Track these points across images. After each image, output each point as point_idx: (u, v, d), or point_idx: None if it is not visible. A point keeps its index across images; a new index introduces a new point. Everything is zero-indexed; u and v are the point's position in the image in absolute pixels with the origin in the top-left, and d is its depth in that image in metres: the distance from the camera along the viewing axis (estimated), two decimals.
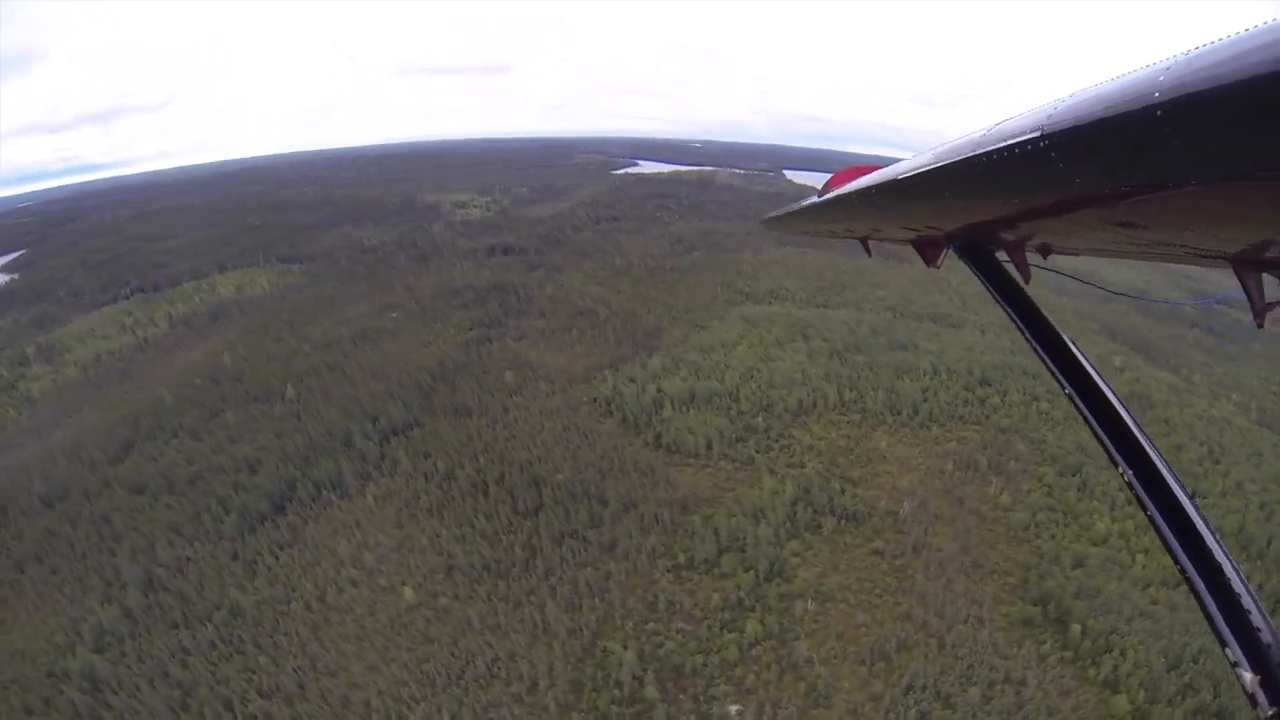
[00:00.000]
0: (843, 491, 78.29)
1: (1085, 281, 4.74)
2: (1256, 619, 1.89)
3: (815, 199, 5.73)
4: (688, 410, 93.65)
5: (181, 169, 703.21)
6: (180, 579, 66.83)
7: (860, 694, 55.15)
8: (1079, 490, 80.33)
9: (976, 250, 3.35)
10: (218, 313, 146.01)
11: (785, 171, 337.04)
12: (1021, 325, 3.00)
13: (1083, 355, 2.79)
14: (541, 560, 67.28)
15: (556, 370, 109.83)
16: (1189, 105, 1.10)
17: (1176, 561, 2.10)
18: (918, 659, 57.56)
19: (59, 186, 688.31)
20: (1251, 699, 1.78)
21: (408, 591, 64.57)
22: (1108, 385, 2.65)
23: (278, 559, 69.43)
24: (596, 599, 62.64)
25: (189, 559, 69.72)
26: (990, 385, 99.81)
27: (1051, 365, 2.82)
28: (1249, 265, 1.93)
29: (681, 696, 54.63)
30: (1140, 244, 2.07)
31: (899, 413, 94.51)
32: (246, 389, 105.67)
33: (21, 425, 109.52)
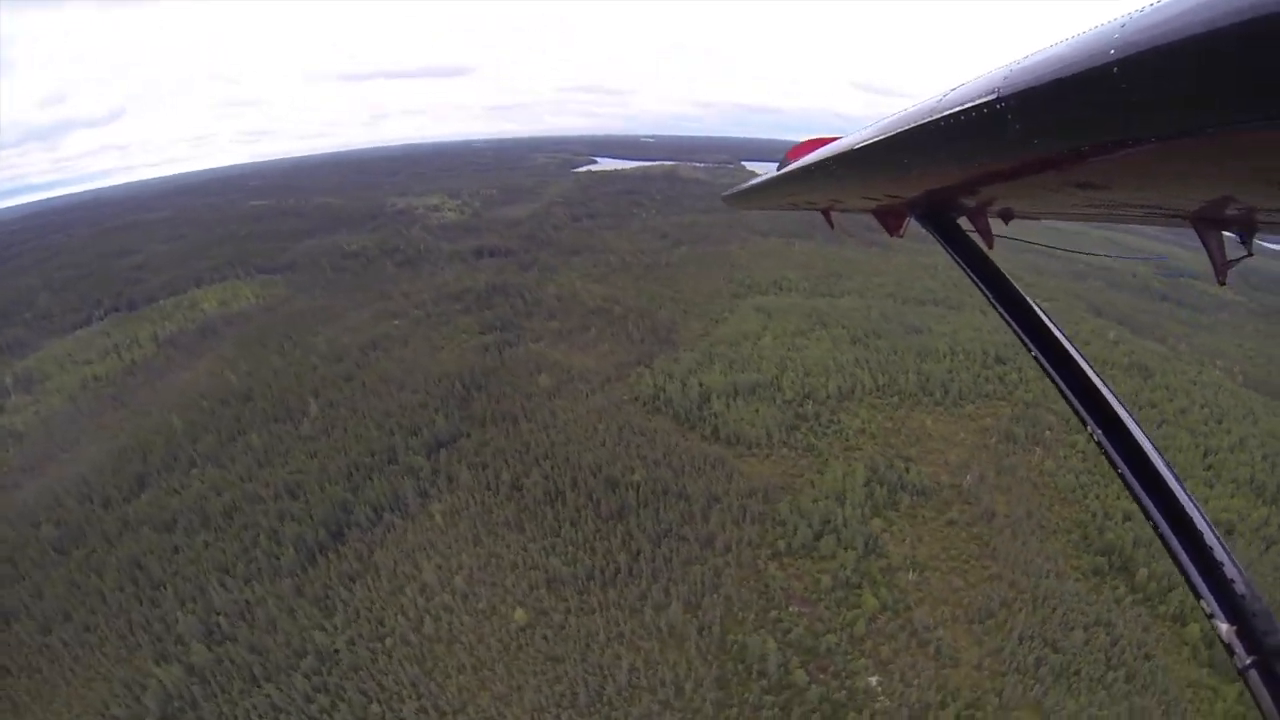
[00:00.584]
0: (906, 469, 75.96)
1: (1049, 246, 4.30)
2: (1230, 570, 1.84)
3: (774, 173, 5.34)
4: (735, 402, 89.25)
5: (131, 185, 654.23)
6: (246, 626, 57.67)
7: (979, 650, 55.24)
8: None
9: (938, 217, 3.12)
10: (206, 329, 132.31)
11: (744, 163, 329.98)
12: (986, 290, 2.83)
13: (1048, 317, 2.62)
14: (645, 562, 62.10)
15: (587, 370, 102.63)
16: (1144, 62, 1.06)
17: (1149, 517, 2.01)
18: (1018, 613, 57.89)
19: (5, 208, 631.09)
20: (1229, 649, 1.76)
21: (517, 612, 57.42)
22: (1074, 346, 2.50)
23: (352, 591, 60.66)
24: (713, 594, 58.46)
25: (250, 602, 60.32)
26: (1005, 363, 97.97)
27: (1017, 328, 2.65)
28: (1208, 223, 1.86)
29: (823, 676, 52.09)
30: (1101, 205, 2.01)
31: (931, 393, 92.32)
32: (263, 408, 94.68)
33: (12, 464, 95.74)
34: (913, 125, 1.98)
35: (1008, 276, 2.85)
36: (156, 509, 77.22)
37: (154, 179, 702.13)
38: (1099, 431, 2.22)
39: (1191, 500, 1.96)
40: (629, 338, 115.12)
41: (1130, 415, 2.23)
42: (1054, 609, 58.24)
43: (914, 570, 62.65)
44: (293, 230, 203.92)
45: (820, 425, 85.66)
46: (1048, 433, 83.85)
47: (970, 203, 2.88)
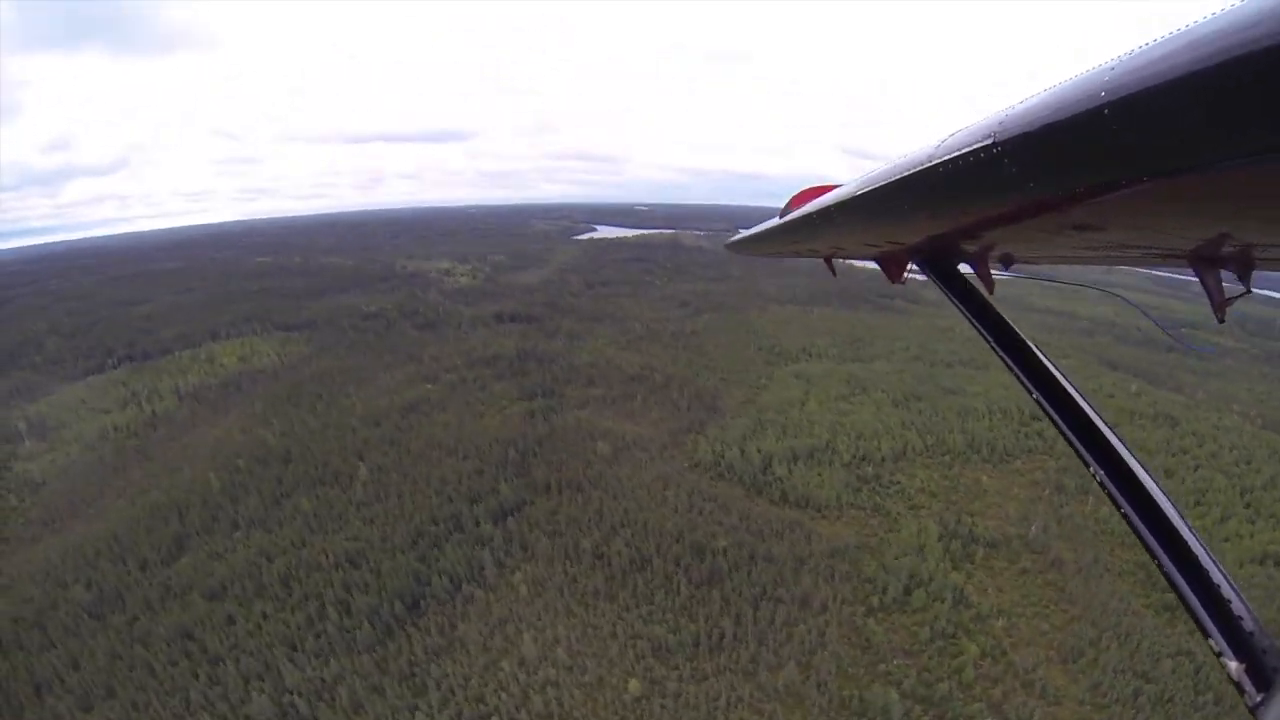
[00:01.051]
0: (973, 524, 76.99)
1: (1048, 279, 3.98)
2: (1238, 607, 1.81)
3: (776, 220, 5.21)
4: (796, 467, 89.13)
5: (130, 235, 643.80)
6: (327, 707, 52.86)
7: (1078, 687, 56.37)
8: None
9: (939, 264, 3.11)
10: (229, 384, 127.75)
11: (741, 230, 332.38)
12: (987, 335, 2.84)
13: (1050, 362, 2.63)
14: (747, 625, 60.28)
15: (641, 438, 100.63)
16: (1134, 103, 1.06)
17: (1154, 557, 1.99)
18: (1106, 650, 59.07)
19: (9, 249, 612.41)
20: (1238, 687, 1.73)
21: (631, 683, 53.79)
22: (1075, 389, 2.51)
23: (442, 667, 56.10)
24: (820, 652, 57.94)
25: (327, 680, 55.50)
26: (1041, 419, 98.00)
27: (1019, 372, 2.66)
28: (1206, 262, 1.83)
29: None
30: (1099, 247, 2.01)
31: (979, 450, 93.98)
32: (306, 471, 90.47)
33: (30, 516, 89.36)
34: (911, 171, 1.97)
35: (1009, 321, 2.84)
36: (201, 574, 72.04)
37: (152, 231, 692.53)
38: (1101, 472, 2.20)
39: (1196, 538, 1.92)
40: (675, 405, 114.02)
41: (1133, 455, 2.19)
42: (1137, 643, 59.60)
43: (1002, 617, 63.61)
44: (305, 289, 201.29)
45: (882, 486, 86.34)
46: (1092, 483, 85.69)
47: (970, 248, 2.82)
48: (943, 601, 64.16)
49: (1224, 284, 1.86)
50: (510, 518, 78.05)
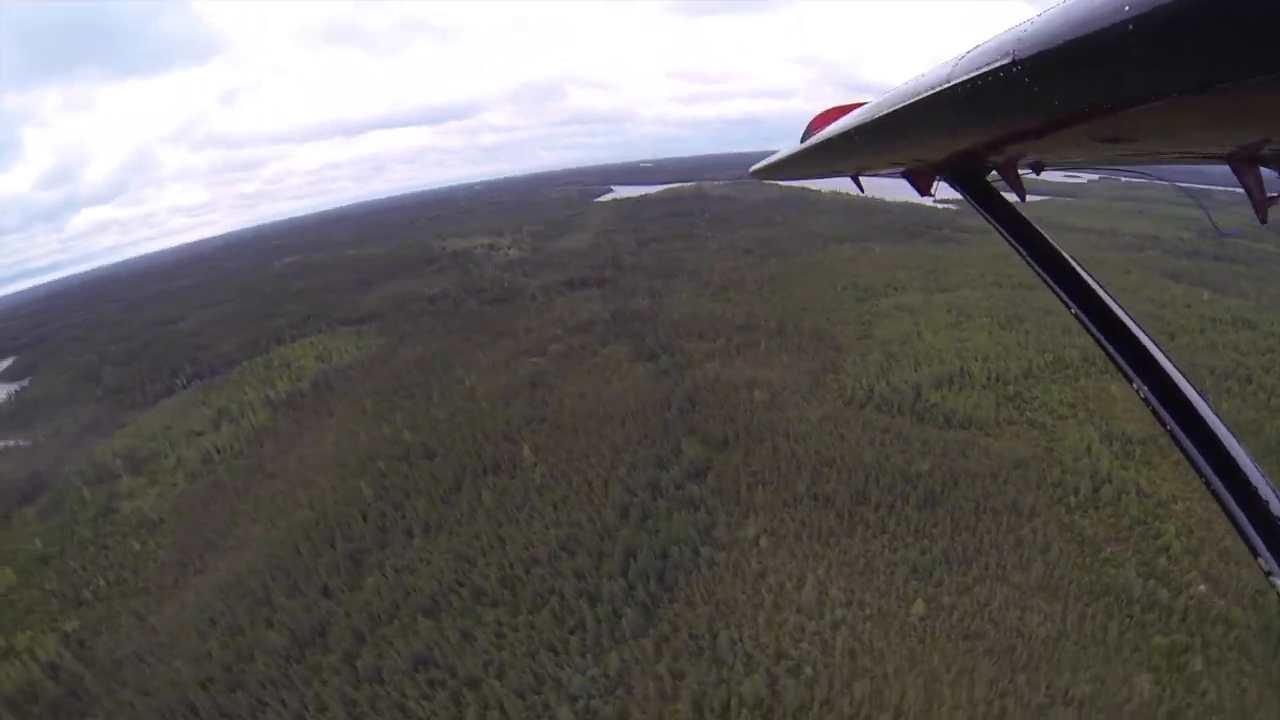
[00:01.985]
0: (1122, 426, 73.83)
1: (1096, 170, 3.55)
2: None
3: (799, 145, 4.85)
4: (945, 393, 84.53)
5: (137, 259, 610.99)
6: (633, 702, 44.33)
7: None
8: None
9: (967, 176, 2.94)
10: (320, 386, 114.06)
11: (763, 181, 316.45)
12: (1019, 247, 2.67)
13: (1088, 273, 2.47)
14: (983, 537, 58.85)
15: (784, 384, 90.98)
16: (1160, 16, 0.94)
17: (1201, 474, 1.84)
18: None
19: (17, 291, 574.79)
20: None
21: (915, 604, 51.67)
22: (1116, 301, 2.35)
23: (729, 633, 49.77)
24: (1051, 550, 57.54)
25: (613, 675, 46.83)
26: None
27: (1055, 285, 2.49)
28: (1244, 161, 1.71)
29: (1168, 591, 52.36)
30: (1133, 153, 1.88)
31: (1093, 363, 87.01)
32: (461, 462, 78.29)
33: (160, 559, 76.66)
34: (930, 92, 1.83)
35: (1041, 230, 2.60)
36: (401, 591, 60.34)
37: (159, 251, 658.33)
38: (1144, 387, 2.05)
39: (1248, 454, 1.79)
40: (798, 349, 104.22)
41: (1178, 370, 2.03)
42: None
43: (1179, 502, 62.26)
44: (349, 282, 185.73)
45: (1024, 402, 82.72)
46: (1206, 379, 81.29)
47: (998, 159, 2.63)
48: (1128, 494, 63.52)
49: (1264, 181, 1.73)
50: (709, 475, 70.28)
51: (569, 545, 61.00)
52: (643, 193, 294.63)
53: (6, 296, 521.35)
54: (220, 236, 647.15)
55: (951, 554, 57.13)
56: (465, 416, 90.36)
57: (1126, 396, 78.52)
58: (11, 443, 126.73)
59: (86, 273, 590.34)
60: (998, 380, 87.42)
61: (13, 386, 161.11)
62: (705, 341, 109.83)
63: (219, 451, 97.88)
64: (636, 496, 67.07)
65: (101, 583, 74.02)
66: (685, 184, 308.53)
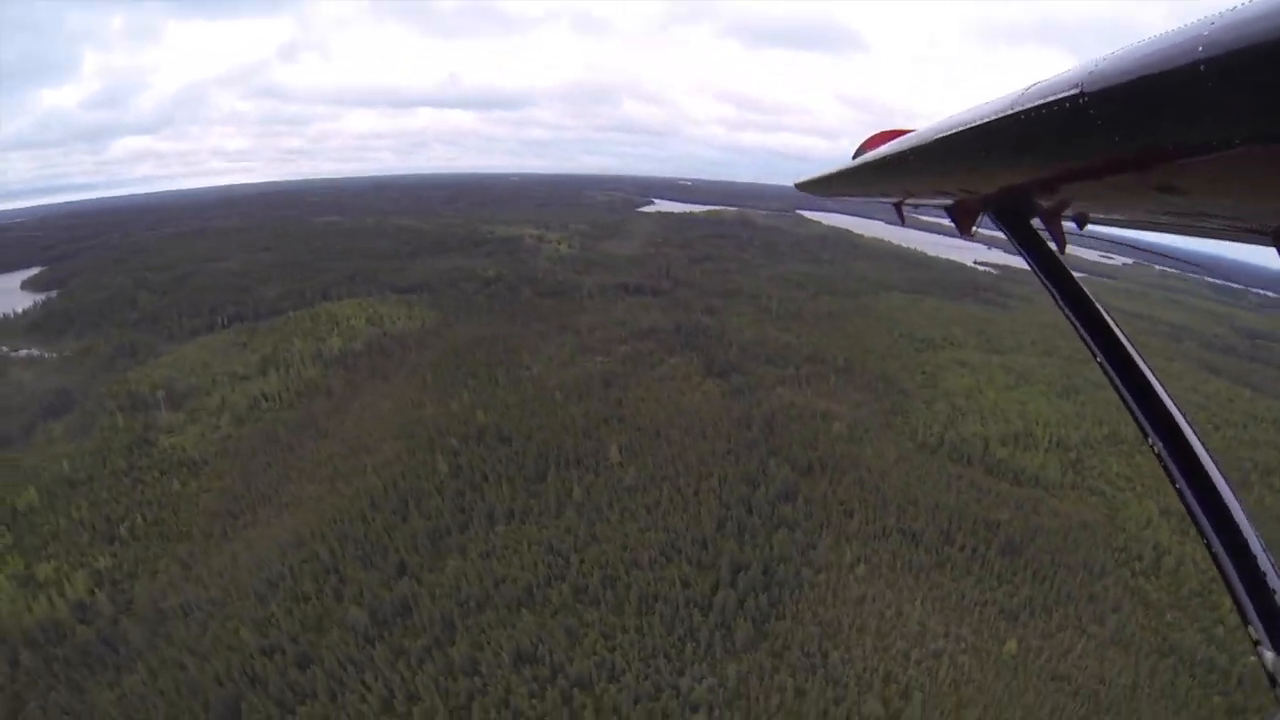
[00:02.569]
0: (1178, 505, 66.77)
1: (1126, 244, 3.84)
2: None
3: (850, 163, 4.59)
4: (1011, 450, 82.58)
5: (176, 193, 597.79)
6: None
7: None
8: None
9: (1012, 216, 2.88)
10: (374, 350, 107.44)
11: (799, 211, 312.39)
12: (1056, 294, 2.65)
13: (1118, 327, 2.44)
14: (1059, 588, 58.86)
15: (854, 418, 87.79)
16: (1233, 62, 0.92)
17: (1203, 535, 1.86)
18: None
19: (49, 204, 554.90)
20: (1271, 678, 1.66)
21: (1008, 644, 52.25)
22: (1141, 357, 2.33)
23: (840, 652, 49.29)
24: (1120, 608, 57.85)
25: (731, 685, 44.57)
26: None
27: (1086, 336, 2.47)
28: None
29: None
30: (1179, 213, 1.83)
31: (1130, 449, 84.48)
32: (540, 452, 72.55)
33: (204, 505, 69.72)
34: (993, 118, 1.82)
35: (1079, 282, 2.57)
36: (489, 580, 54.40)
37: (195, 189, 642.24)
38: (1160, 444, 2.07)
39: (1249, 524, 1.83)
40: (865, 388, 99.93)
41: (1195, 432, 2.05)
42: None
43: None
44: (394, 250, 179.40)
45: (1085, 469, 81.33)
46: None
47: (1045, 203, 2.58)
48: (1185, 567, 63.15)
49: None
50: (799, 499, 67.80)
51: (669, 551, 57.16)
52: (686, 210, 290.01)
53: (39, 207, 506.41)
54: (255, 185, 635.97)
55: (1034, 601, 57.40)
56: (538, 405, 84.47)
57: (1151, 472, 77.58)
58: (36, 353, 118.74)
59: (119, 198, 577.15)
60: (1059, 445, 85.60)
61: (39, 296, 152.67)
62: (774, 367, 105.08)
63: (266, 399, 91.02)
64: (730, 510, 64.12)
65: (139, 519, 67.05)
66: (728, 208, 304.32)
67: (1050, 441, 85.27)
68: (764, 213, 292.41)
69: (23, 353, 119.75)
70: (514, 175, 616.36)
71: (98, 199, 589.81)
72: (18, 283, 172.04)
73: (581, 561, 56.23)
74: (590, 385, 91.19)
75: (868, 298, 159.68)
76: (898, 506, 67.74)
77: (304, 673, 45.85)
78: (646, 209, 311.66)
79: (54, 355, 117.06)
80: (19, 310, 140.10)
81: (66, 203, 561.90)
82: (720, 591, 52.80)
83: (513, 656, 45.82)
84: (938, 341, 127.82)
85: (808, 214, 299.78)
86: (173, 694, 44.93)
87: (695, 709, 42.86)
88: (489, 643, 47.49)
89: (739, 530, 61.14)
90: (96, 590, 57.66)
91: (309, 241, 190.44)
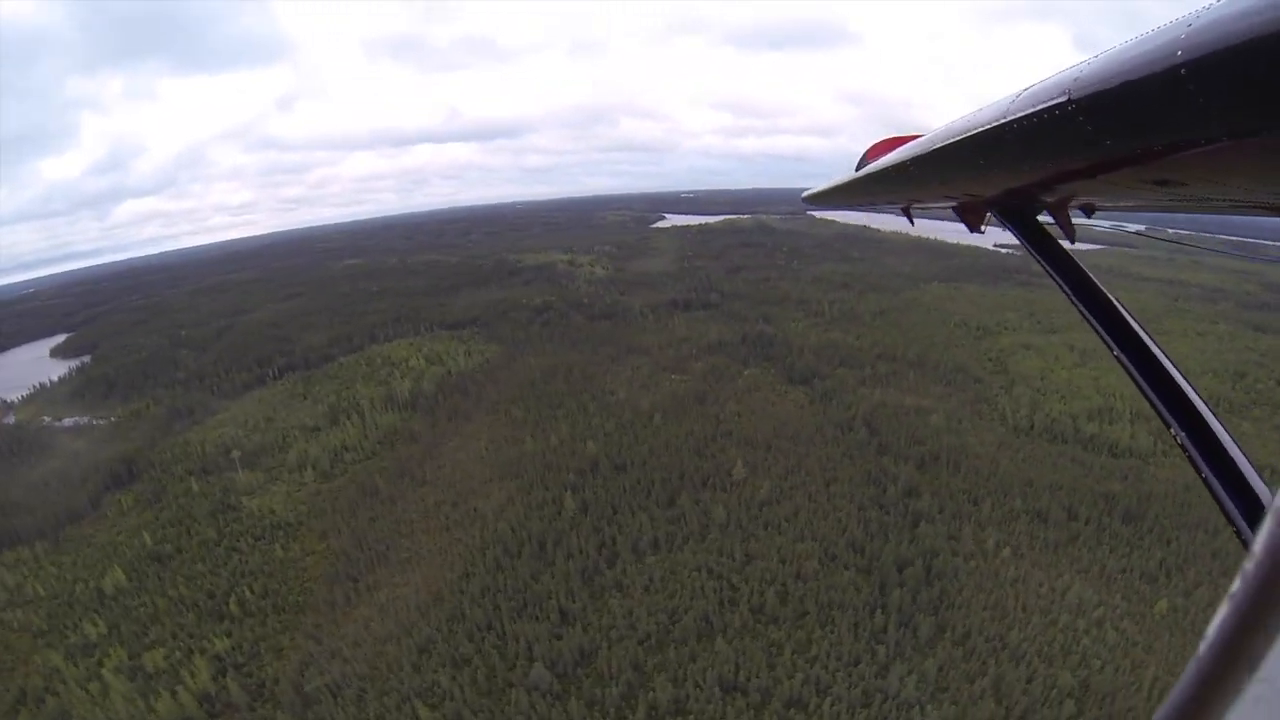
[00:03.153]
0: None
1: (1140, 232, 3.90)
2: None
3: (854, 173, 4.62)
4: (1099, 426, 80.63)
5: (183, 251, 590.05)
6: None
7: None
8: None
9: (1018, 213, 2.83)
10: (447, 390, 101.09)
11: (812, 213, 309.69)
12: (1066, 287, 2.58)
13: (1131, 316, 2.39)
14: (1185, 550, 56.94)
15: (945, 410, 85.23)
16: (1212, 61, 0.92)
17: (1233, 524, 1.82)
18: None
19: (62, 272, 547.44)
20: None
21: (1159, 604, 51.67)
22: (1158, 346, 2.28)
23: (1020, 634, 48.00)
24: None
25: (928, 681, 41.04)
26: (1246, 376, 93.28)
27: (1099, 327, 2.40)
28: None
29: None
30: (1182, 199, 1.79)
31: (1220, 404, 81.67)
32: (665, 476, 67.13)
33: (319, 570, 63.01)
34: (987, 126, 1.80)
35: (1089, 273, 2.51)
36: (661, 615, 48.88)
37: (201, 245, 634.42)
38: (1183, 435, 1.99)
39: (1271, 492, 1.75)
40: (944, 381, 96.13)
41: (1217, 419, 1.98)
42: None
43: None
44: (430, 287, 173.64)
45: (1171, 438, 72.58)
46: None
47: (1049, 198, 2.53)
48: None
49: None
50: (923, 493, 65.74)
51: (825, 559, 54.69)
52: (701, 222, 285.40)
53: (50, 276, 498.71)
54: (260, 236, 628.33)
55: (1167, 562, 56.40)
56: (639, 429, 78.90)
57: (1258, 434, 77.14)
58: (84, 420, 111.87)
59: (128, 260, 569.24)
60: (1140, 416, 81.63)
61: (72, 362, 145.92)
62: (849, 369, 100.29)
63: (347, 450, 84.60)
64: (866, 511, 62.06)
65: (246, 592, 60.13)
66: (741, 215, 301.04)
67: (1131, 413, 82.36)
68: (778, 217, 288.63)
69: (69, 421, 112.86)
70: (519, 203, 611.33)
71: (107, 263, 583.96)
72: (46, 351, 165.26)
73: (746, 581, 52.21)
74: (683, 404, 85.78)
75: (911, 292, 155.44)
76: (1018, 489, 66.17)
77: None
78: (660, 224, 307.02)
79: (103, 421, 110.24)
80: (55, 378, 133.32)
81: (77, 270, 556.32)
82: (892, 591, 51.16)
83: (718, 688, 40.08)
84: (993, 327, 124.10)
85: (820, 214, 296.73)
86: None
87: (910, 707, 41.38)
88: (688, 678, 41.64)
89: (882, 529, 59.15)
90: (220, 677, 50.82)
91: (335, 285, 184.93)
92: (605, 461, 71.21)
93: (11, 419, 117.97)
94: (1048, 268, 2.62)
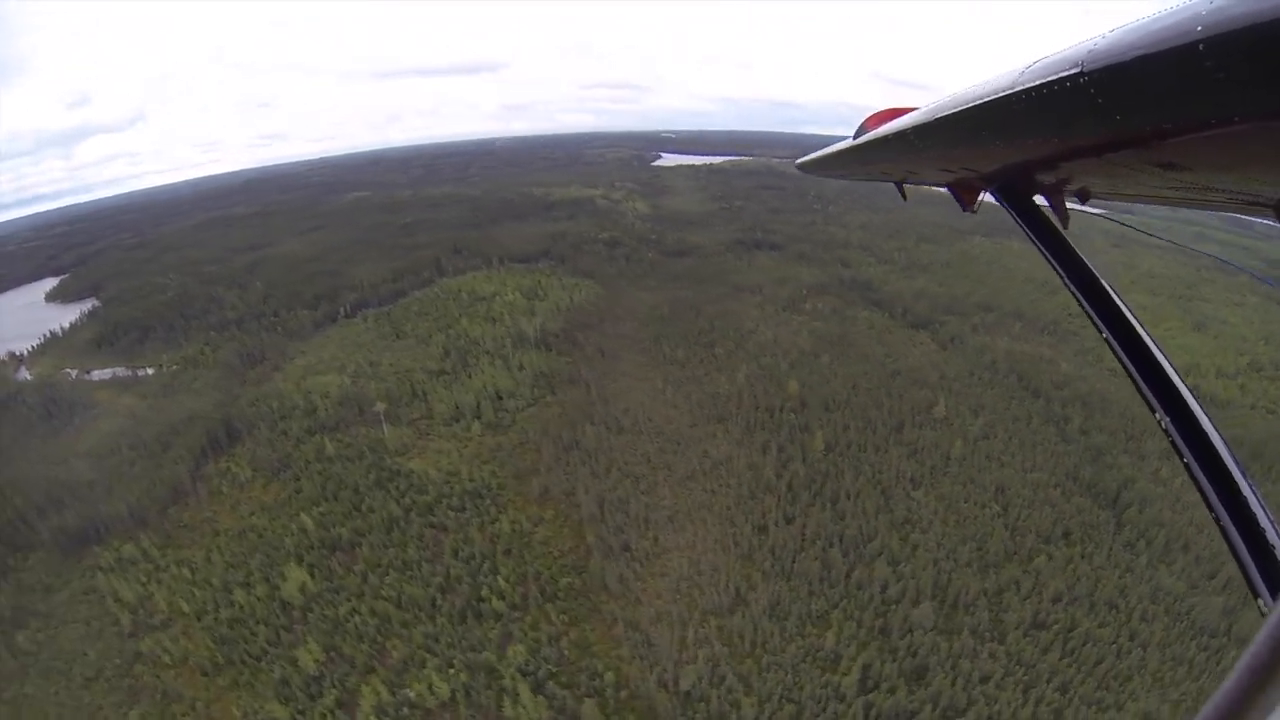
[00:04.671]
0: None
1: (1128, 225, 3.52)
2: None
3: (850, 141, 4.38)
4: (1192, 380, 68.88)
5: (153, 189, 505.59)
6: None
7: None
8: None
9: (1014, 193, 2.69)
10: (575, 327, 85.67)
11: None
12: (1060, 270, 2.45)
13: (1122, 302, 2.28)
14: None
15: (1068, 360, 78.79)
16: (1232, 40, 0.85)
17: (1211, 510, 1.75)
18: None
19: (33, 214, 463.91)
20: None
21: None
22: (1147, 332, 2.17)
23: None
24: None
25: None
26: None
27: (1091, 311, 2.30)
28: None
29: None
30: (1182, 188, 1.68)
31: None
32: (872, 414, 59.34)
33: (563, 543, 49.21)
34: (993, 97, 1.69)
35: (1082, 257, 2.38)
36: (972, 544, 39.39)
37: (171, 184, 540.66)
38: (1167, 419, 1.92)
39: (1257, 496, 1.72)
40: (1047, 332, 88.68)
41: (1201, 407, 1.92)
42: None
43: None
44: (461, 220, 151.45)
45: (1257, 392, 74.10)
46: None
47: (1047, 179, 2.37)
48: None
49: None
50: (1090, 431, 61.67)
51: (1061, 487, 52.72)
52: (705, 162, 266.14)
53: (17, 220, 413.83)
54: (236, 173, 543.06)
55: None
56: (813, 369, 70.43)
57: None
58: (123, 372, 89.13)
59: (99, 201, 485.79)
60: (1252, 369, 79.01)
61: (76, 307, 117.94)
62: (956, 317, 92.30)
63: (502, 397, 68.75)
64: (1056, 445, 59.31)
65: (500, 582, 45.94)
66: (741, 158, 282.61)
67: (1214, 371, 77.94)
68: (779, 160, 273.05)
69: (103, 374, 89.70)
70: (499, 139, 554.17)
71: (80, 204, 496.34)
72: (39, 296, 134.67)
73: (1009, 508, 49.51)
74: (833, 345, 78.01)
75: (960, 244, 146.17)
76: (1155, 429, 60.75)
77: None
78: (661, 164, 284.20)
79: (148, 372, 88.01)
80: (64, 325, 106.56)
81: (47, 211, 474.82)
82: (1123, 511, 49.54)
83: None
84: (1055, 284, 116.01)
85: (822, 152, 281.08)
86: None
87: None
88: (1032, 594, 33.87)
89: (1076, 461, 56.36)
90: (556, 695, 37.14)
91: (355, 218, 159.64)
92: (813, 400, 60.93)
93: (26, 373, 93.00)
94: (1043, 250, 2.43)
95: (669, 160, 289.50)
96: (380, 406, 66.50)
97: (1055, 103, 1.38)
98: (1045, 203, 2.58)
